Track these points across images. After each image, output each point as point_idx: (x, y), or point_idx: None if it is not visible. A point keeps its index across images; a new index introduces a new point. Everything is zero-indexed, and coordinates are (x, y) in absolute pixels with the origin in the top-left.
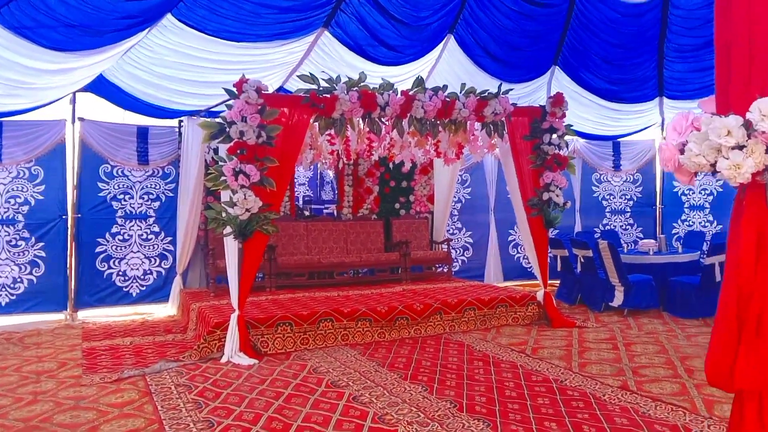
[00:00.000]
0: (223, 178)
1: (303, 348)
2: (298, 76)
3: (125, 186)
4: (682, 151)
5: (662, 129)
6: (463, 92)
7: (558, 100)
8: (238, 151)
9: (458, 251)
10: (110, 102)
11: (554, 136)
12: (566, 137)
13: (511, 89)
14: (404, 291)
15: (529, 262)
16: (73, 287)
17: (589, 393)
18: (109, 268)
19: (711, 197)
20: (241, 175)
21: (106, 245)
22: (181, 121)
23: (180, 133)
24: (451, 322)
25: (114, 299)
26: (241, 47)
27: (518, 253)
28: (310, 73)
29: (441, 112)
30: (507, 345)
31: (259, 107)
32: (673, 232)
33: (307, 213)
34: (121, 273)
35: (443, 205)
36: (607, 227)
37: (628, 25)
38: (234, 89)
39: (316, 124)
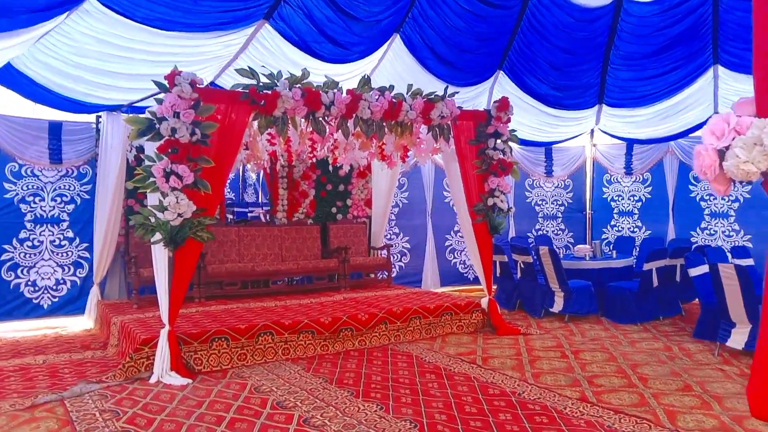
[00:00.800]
0: (152, 179)
1: (241, 365)
2: (236, 70)
3: (35, 187)
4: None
5: (591, 136)
6: (410, 93)
7: (504, 105)
8: (170, 150)
9: (395, 257)
10: (18, 94)
11: (499, 140)
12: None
13: (457, 92)
14: (345, 300)
15: (465, 267)
16: None
17: (550, 407)
18: (17, 277)
19: (639, 203)
20: (172, 177)
21: (13, 252)
22: (99, 117)
23: (98, 130)
24: (397, 332)
25: (22, 312)
26: (173, 37)
27: (455, 258)
28: (250, 68)
29: (388, 114)
30: (456, 355)
31: (194, 102)
32: (603, 237)
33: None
34: (30, 283)
35: (382, 210)
36: (540, 232)
37: (580, 30)
38: (165, 82)
39: (255, 122)
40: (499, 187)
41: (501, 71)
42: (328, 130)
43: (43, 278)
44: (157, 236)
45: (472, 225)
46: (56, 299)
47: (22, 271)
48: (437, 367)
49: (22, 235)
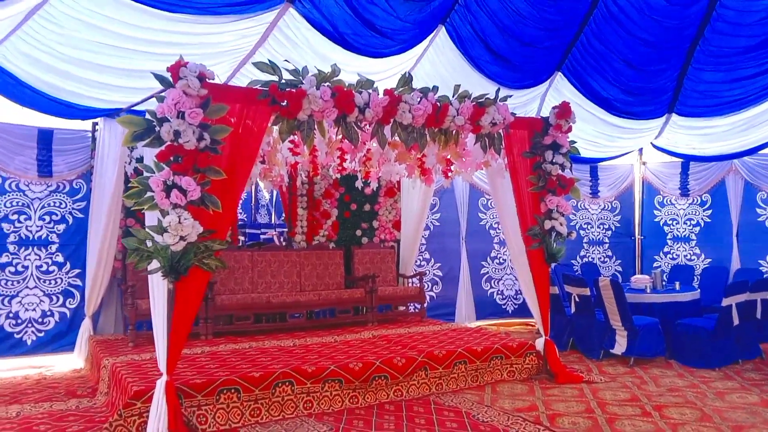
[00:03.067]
0: (149, 194)
1: (254, 422)
2: (254, 64)
3: (20, 204)
4: None
5: (641, 154)
6: (456, 96)
7: (565, 111)
8: (172, 159)
9: (426, 286)
10: (1, 95)
11: (558, 153)
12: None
13: (510, 96)
14: (374, 338)
15: (504, 298)
16: None
17: None
18: None
19: (697, 228)
20: (174, 191)
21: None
22: (95, 124)
23: (94, 139)
24: (439, 379)
25: (2, 349)
26: (179, 21)
27: (492, 287)
28: (270, 61)
29: (431, 119)
30: (514, 411)
31: (202, 101)
32: (655, 265)
33: (242, 239)
34: (12, 315)
35: (413, 233)
36: (585, 259)
37: (671, 16)
38: (168, 75)
39: (275, 127)
40: (558, 208)
41: (559, 73)
42: (361, 138)
43: (27, 309)
44: (155, 264)
45: (526, 252)
46: (42, 334)
47: (2, 302)
48: (495, 429)
49: (4, 259)
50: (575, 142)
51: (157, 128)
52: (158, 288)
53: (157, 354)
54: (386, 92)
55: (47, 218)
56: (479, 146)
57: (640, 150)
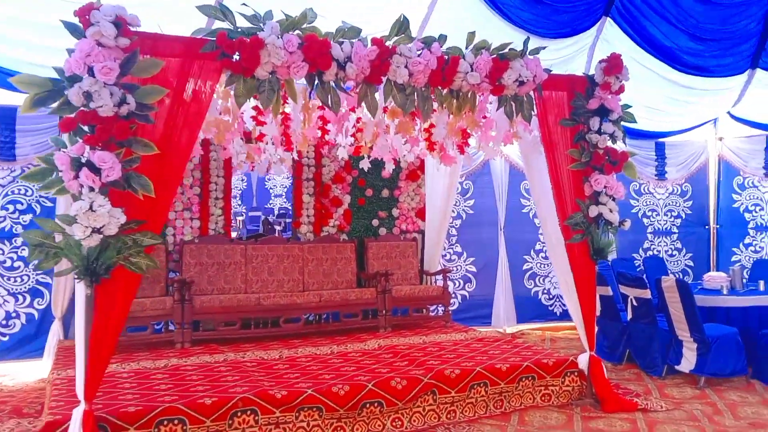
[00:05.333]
0: (56, 174)
1: None
2: (198, 8)
3: None
4: None
5: (716, 127)
6: (471, 47)
7: (615, 65)
8: (78, 128)
9: (457, 283)
10: None
11: (607, 120)
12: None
13: (544, 47)
14: (380, 349)
15: (551, 298)
16: None
17: None
18: None
19: None
20: (84, 170)
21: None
22: None
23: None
24: (451, 406)
25: None
26: None
27: (536, 285)
28: (219, 2)
29: (436, 77)
30: None
31: (127, 55)
32: (733, 259)
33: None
34: None
35: (438, 223)
36: (650, 252)
37: None
38: (77, 20)
39: (232, 89)
40: (607, 190)
41: (608, 19)
42: (345, 102)
43: None
44: (66, 264)
45: (565, 246)
46: (6, 338)
47: None
48: None
49: None
50: (630, 107)
51: (66, 90)
52: (78, 293)
53: (76, 377)
54: (374, 41)
55: (11, 207)
56: (503, 112)
57: (715, 122)
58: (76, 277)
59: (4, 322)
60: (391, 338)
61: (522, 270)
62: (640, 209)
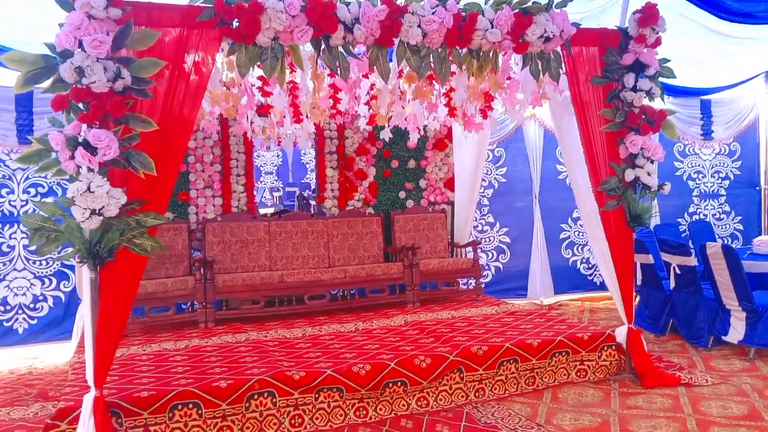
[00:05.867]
0: (52, 154)
1: None
2: None
3: (1, 176)
4: None
5: (766, 81)
6: (491, 2)
7: (650, 15)
8: (72, 104)
9: (490, 255)
10: None
11: (643, 76)
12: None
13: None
14: (407, 325)
15: (590, 267)
16: None
17: None
18: None
19: None
20: (80, 149)
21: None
22: None
23: None
24: (479, 384)
25: None
26: None
27: (574, 254)
28: None
29: (452, 35)
30: (576, 430)
31: (120, 27)
32: None
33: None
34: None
35: (467, 194)
36: (696, 216)
37: None
38: None
39: (234, 58)
40: (644, 152)
41: None
42: (356, 68)
43: (16, 294)
44: (67, 248)
45: (600, 213)
46: (34, 321)
47: None
48: None
49: None
50: (668, 61)
51: (59, 66)
52: (84, 278)
53: (86, 364)
54: (384, 0)
55: (32, 191)
56: (529, 72)
57: (767, 75)
58: (78, 260)
59: (32, 306)
60: (419, 314)
61: (559, 239)
62: (685, 171)
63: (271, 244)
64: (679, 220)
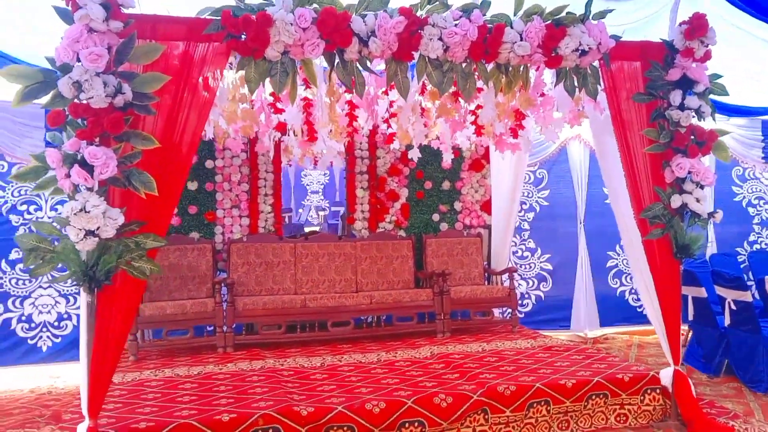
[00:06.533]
0: (50, 172)
1: None
2: None
3: (31, 192)
4: None
5: None
6: (520, 14)
7: (698, 26)
8: (68, 121)
9: (531, 283)
10: None
11: (691, 93)
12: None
13: (611, 10)
14: (433, 356)
15: (639, 298)
16: None
17: None
18: (7, 311)
19: None
20: (76, 167)
21: (2, 278)
22: None
23: None
24: (506, 427)
25: (14, 356)
26: None
27: (622, 284)
28: None
29: (477, 49)
30: None
31: (123, 41)
32: None
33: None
34: (24, 318)
35: (505, 217)
36: (756, 246)
37: None
38: (65, 4)
39: (243, 73)
40: (692, 176)
41: None
42: (373, 83)
43: (41, 312)
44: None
45: (643, 243)
46: (59, 339)
47: (13, 303)
48: None
49: (13, 255)
50: (720, 77)
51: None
52: (81, 302)
53: (81, 392)
54: (402, 11)
55: (59, 208)
56: (563, 88)
57: None
58: (74, 283)
59: (56, 324)
60: (448, 345)
61: (605, 267)
62: (744, 197)
63: (297, 266)
64: (738, 249)
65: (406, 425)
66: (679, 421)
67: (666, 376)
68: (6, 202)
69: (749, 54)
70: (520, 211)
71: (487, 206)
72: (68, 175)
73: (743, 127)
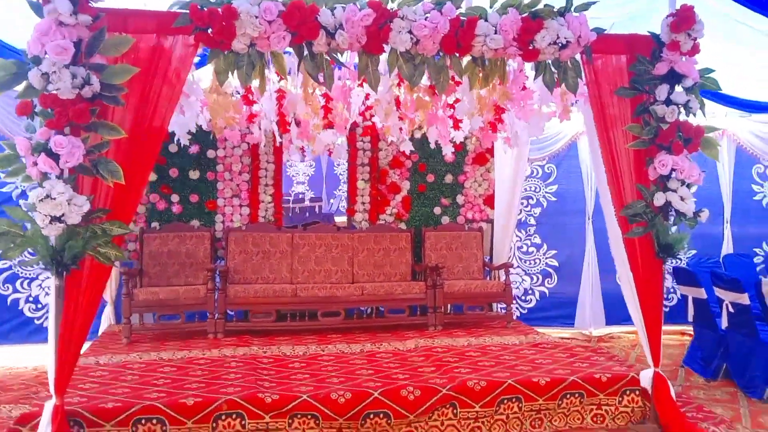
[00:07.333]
0: (22, 160)
1: None
2: None
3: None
4: None
5: None
6: (496, 5)
7: (684, 18)
8: (36, 111)
9: (535, 279)
10: None
11: (678, 87)
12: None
13: (594, 2)
14: (417, 349)
15: None
16: None
17: None
18: (15, 291)
19: None
20: (42, 156)
21: (10, 260)
22: None
23: None
24: (475, 422)
25: (21, 335)
26: None
27: None
28: None
29: (449, 43)
30: None
31: (93, 34)
32: None
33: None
34: (31, 299)
35: (506, 212)
36: None
37: None
38: None
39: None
40: (677, 173)
41: None
42: (346, 76)
43: (47, 293)
44: (30, 255)
45: (623, 241)
46: None
47: (21, 284)
48: None
49: None
50: (712, 71)
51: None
52: (51, 285)
53: (48, 370)
54: (370, 4)
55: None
56: (543, 82)
57: None
58: (43, 267)
59: None
60: (435, 339)
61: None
62: (765, 196)
63: (293, 256)
64: (757, 250)
65: (372, 416)
66: (658, 423)
67: (645, 377)
68: (17, 187)
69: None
70: (526, 206)
71: (490, 200)
72: (35, 164)
73: (763, 121)
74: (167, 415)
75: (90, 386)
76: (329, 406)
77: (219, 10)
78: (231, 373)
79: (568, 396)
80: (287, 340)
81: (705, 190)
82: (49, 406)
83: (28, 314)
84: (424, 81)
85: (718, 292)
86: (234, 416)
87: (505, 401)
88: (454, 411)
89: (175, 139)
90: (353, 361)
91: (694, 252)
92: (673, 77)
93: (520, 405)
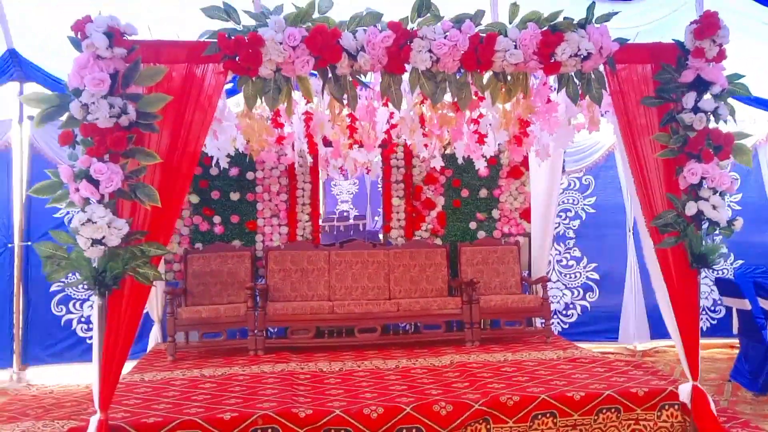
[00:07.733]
0: (65, 187)
1: None
2: (202, 10)
3: None
4: None
5: None
6: (516, 21)
7: (708, 24)
8: (77, 140)
9: (576, 293)
10: None
11: (706, 95)
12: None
13: (616, 12)
14: (452, 365)
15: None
16: (20, 337)
17: None
18: (68, 312)
19: None
20: (84, 182)
21: (63, 282)
22: None
23: None
24: None
25: (74, 354)
26: None
27: None
28: (225, 2)
29: (469, 59)
30: None
31: (129, 65)
32: None
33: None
34: (83, 319)
35: (542, 225)
36: None
37: None
38: (75, 34)
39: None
40: (707, 182)
41: None
42: (374, 97)
43: None
44: (75, 276)
45: (655, 252)
46: None
47: (74, 305)
48: None
49: None
50: (742, 76)
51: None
52: (95, 306)
53: (93, 388)
54: (390, 25)
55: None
56: (566, 94)
57: None
58: (86, 287)
59: None
60: (471, 354)
61: None
62: None
63: (331, 273)
64: None
65: (403, 431)
66: None
67: (684, 391)
68: (68, 213)
69: None
70: (564, 219)
71: (526, 214)
72: (77, 190)
73: None
74: (205, 429)
75: (134, 402)
76: (362, 420)
77: (245, 38)
78: (268, 389)
79: (604, 411)
80: (325, 356)
81: (749, 198)
82: (94, 421)
83: (81, 334)
84: (447, 98)
85: (763, 303)
86: (269, 431)
87: (540, 416)
88: (488, 426)
89: (215, 161)
90: (388, 376)
91: (741, 262)
92: (700, 84)
93: (555, 420)
